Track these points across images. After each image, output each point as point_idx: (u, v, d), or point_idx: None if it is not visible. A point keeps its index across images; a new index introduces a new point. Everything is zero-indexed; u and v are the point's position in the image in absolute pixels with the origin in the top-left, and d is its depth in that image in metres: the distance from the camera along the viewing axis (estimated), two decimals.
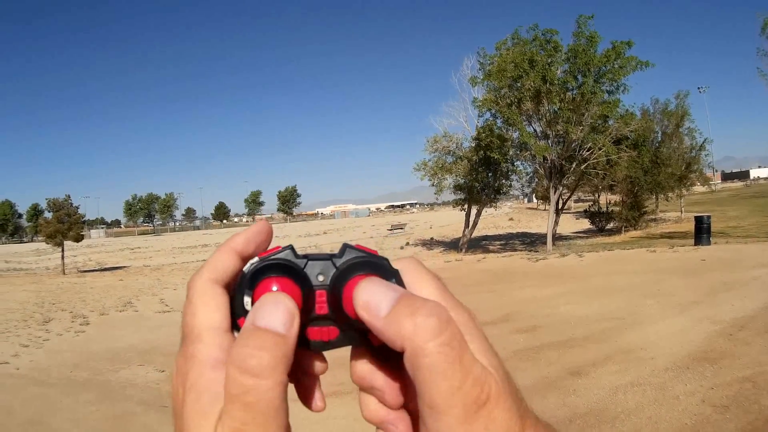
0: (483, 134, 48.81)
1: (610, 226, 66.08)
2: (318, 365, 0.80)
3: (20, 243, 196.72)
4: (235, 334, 0.73)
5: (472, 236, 55.47)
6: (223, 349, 0.71)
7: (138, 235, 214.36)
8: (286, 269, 0.74)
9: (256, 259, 0.76)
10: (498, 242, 62.13)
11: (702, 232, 32.61)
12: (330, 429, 10.35)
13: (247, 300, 0.72)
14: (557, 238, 52.21)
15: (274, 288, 0.72)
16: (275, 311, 0.67)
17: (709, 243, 32.03)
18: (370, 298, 0.68)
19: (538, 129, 46.00)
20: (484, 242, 61.44)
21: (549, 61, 43.10)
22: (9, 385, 15.32)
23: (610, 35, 64.84)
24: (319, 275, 0.75)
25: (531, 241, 58.92)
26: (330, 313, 0.75)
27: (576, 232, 70.05)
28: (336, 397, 10.97)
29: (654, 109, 67.75)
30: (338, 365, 0.83)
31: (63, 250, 53.75)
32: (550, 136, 44.87)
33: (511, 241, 62.48)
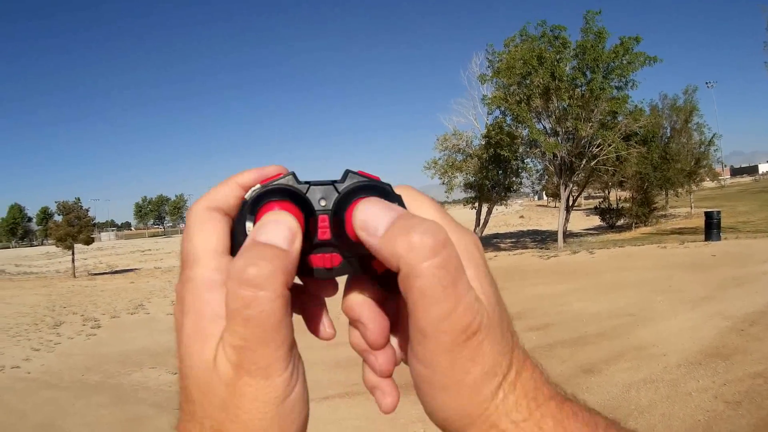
0: (493, 132, 48.84)
1: (621, 222, 65.97)
2: (324, 289, 0.82)
3: (30, 246, 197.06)
4: None
5: (482, 234, 55.51)
6: (221, 271, 0.70)
7: (148, 237, 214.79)
8: (288, 194, 0.75)
9: (257, 186, 0.76)
10: (509, 240, 62.06)
11: (712, 227, 32.52)
12: (343, 429, 10.34)
13: (249, 225, 0.73)
14: (568, 235, 52.14)
15: (276, 209, 0.72)
16: (276, 228, 0.68)
17: (719, 238, 31.94)
18: (367, 217, 0.69)
19: (548, 126, 45.94)
20: (495, 240, 61.39)
21: (558, 57, 43.01)
22: (20, 388, 15.34)
23: (618, 31, 64.85)
24: (321, 200, 0.76)
25: (542, 239, 58.83)
26: (333, 239, 0.76)
27: (586, 229, 69.96)
28: (349, 398, 10.97)
29: (663, 105, 67.60)
30: (351, 365, 0.82)
31: (73, 253, 53.77)
32: (560, 132, 44.83)
33: (521, 239, 62.42)
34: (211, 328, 0.67)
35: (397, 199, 0.75)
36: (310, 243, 0.74)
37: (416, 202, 0.78)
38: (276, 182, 0.75)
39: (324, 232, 0.75)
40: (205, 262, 0.71)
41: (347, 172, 0.77)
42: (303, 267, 0.74)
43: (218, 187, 0.77)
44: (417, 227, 0.65)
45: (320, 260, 0.75)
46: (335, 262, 0.76)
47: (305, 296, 0.81)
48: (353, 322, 0.79)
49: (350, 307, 0.78)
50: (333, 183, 0.76)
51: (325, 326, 0.80)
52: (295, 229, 0.69)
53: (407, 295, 0.65)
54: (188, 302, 0.70)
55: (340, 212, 0.74)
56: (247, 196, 0.75)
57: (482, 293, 0.70)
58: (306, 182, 0.77)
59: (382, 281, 0.75)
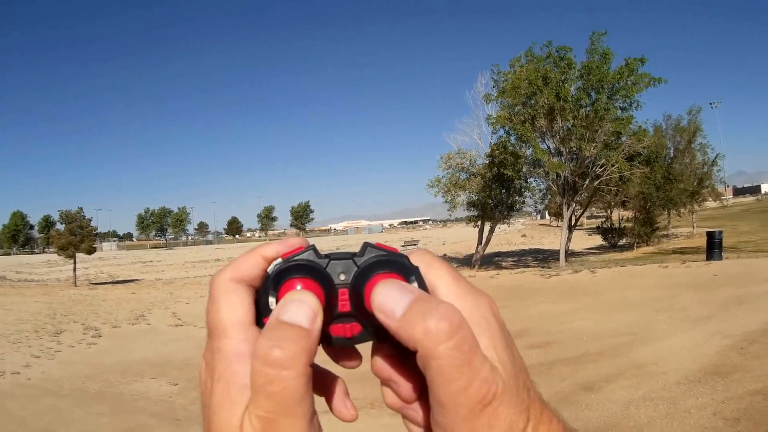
0: (496, 151, 48.82)
1: (623, 242, 65.96)
2: (350, 360, 0.85)
3: (31, 254, 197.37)
4: (260, 331, 0.74)
5: (485, 253, 55.42)
6: (249, 343, 0.74)
7: (150, 248, 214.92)
8: (309, 269, 0.77)
9: (279, 260, 0.79)
10: (511, 259, 62.06)
11: (714, 247, 32.51)
12: None
13: (271, 300, 0.75)
14: (570, 254, 52.12)
15: (298, 288, 0.74)
16: (299, 307, 0.71)
17: (720, 258, 31.91)
18: (385, 301, 0.71)
19: (552, 146, 45.97)
20: (497, 259, 61.39)
21: (563, 78, 43.05)
22: (21, 395, 15.37)
23: (624, 51, 64.96)
24: (341, 274, 0.78)
25: (544, 258, 58.80)
26: (352, 310, 0.78)
27: (589, 249, 69.95)
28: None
29: (666, 125, 67.82)
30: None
31: (75, 262, 53.81)
32: (564, 152, 44.86)
33: (523, 258, 62.40)
34: (239, 397, 0.70)
35: (414, 272, 0.77)
36: (330, 314, 0.77)
37: (433, 270, 0.80)
38: (297, 257, 0.79)
39: (344, 304, 0.78)
40: (234, 334, 0.75)
41: (365, 246, 0.81)
42: (323, 336, 0.76)
43: (243, 257, 0.81)
44: (433, 313, 0.68)
45: (340, 330, 0.79)
46: (354, 332, 0.79)
47: (327, 380, 0.84)
48: (385, 382, 0.83)
49: (380, 368, 0.82)
50: (352, 257, 0.80)
51: (348, 408, 0.84)
52: (317, 309, 0.71)
53: (425, 373, 0.68)
54: (219, 371, 0.73)
55: (359, 286, 0.77)
56: (270, 270, 0.79)
57: (497, 360, 0.72)
58: (326, 256, 0.80)
59: (401, 347, 0.75)
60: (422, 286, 0.76)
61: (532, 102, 43.33)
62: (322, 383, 0.83)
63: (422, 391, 0.78)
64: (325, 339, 0.78)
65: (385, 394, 0.84)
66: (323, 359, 0.79)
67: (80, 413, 13.69)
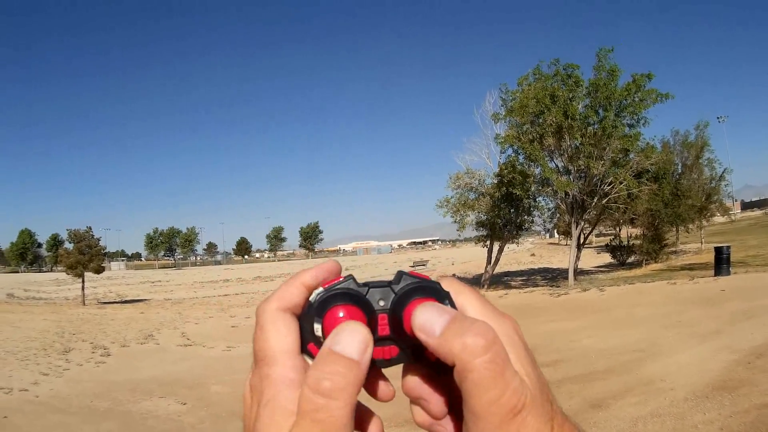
0: (505, 170, 48.87)
1: (631, 259, 65.88)
2: (384, 394, 0.90)
3: (39, 272, 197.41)
4: (305, 357, 0.81)
5: (494, 272, 55.41)
6: (297, 370, 0.78)
7: (159, 268, 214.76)
8: (351, 297, 0.83)
9: (321, 288, 0.84)
10: (520, 278, 62.03)
11: (722, 262, 32.42)
12: None
13: (317, 327, 0.80)
14: (579, 272, 52.12)
15: (341, 314, 0.79)
16: (351, 339, 0.75)
17: (728, 273, 31.81)
18: (425, 321, 0.76)
19: (560, 164, 45.92)
20: (506, 278, 61.40)
21: (570, 96, 43.07)
22: (29, 411, 15.39)
23: (630, 66, 64.61)
24: (380, 300, 0.84)
25: (552, 276, 58.75)
26: (391, 334, 0.84)
27: (597, 267, 69.90)
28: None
29: (674, 141, 67.78)
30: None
31: (83, 281, 53.87)
32: (572, 171, 44.82)
33: (532, 277, 62.39)
34: (285, 422, 0.73)
35: (446, 296, 0.83)
36: (371, 338, 0.79)
37: (462, 295, 0.86)
38: (338, 286, 0.84)
39: (384, 328, 0.84)
40: (283, 361, 0.79)
41: (400, 274, 0.87)
42: None
43: (285, 286, 0.86)
44: (470, 330, 0.74)
45: (380, 352, 0.83)
46: (393, 354, 0.85)
47: (365, 415, 0.88)
48: (415, 401, 0.88)
49: (411, 387, 0.87)
50: (389, 284, 0.85)
51: (384, 387, 0.89)
52: (368, 340, 0.76)
53: (462, 385, 0.73)
54: (267, 396, 0.76)
55: (397, 311, 0.83)
56: (312, 298, 0.84)
57: (525, 374, 0.77)
58: (365, 284, 0.85)
59: (434, 366, 0.82)
60: (454, 308, 0.82)
61: (540, 120, 43.32)
62: (360, 418, 0.86)
63: (451, 407, 0.85)
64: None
65: (415, 413, 0.89)
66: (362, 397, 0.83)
67: (89, 430, 13.71)
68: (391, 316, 0.83)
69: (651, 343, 17.69)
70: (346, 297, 0.82)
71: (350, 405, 0.71)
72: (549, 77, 44.40)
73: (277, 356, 0.79)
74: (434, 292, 0.83)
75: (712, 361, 14.55)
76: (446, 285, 0.86)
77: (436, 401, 0.86)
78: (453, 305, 0.83)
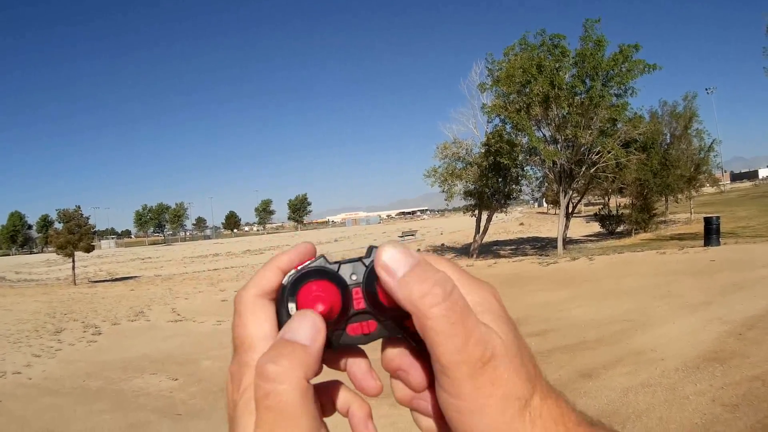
0: (492, 140, 48.98)
1: (620, 229, 66.15)
2: (370, 389, 0.88)
3: (30, 254, 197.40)
4: None
5: (482, 242, 55.56)
6: None
7: (149, 245, 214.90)
8: (323, 273, 0.82)
9: (292, 270, 0.83)
10: (509, 247, 62.23)
11: (711, 233, 32.53)
12: None
13: (291, 306, 0.81)
14: (568, 241, 52.19)
15: (314, 290, 0.80)
16: (300, 325, 0.75)
17: (718, 243, 31.94)
18: (390, 260, 0.76)
19: (547, 134, 46.07)
20: (495, 247, 61.57)
21: (557, 66, 43.13)
22: (22, 394, 15.40)
23: (618, 38, 65.04)
24: (352, 275, 0.83)
25: (542, 246, 58.91)
26: (367, 307, 0.83)
27: (586, 236, 70.04)
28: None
29: (662, 112, 67.92)
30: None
31: (74, 261, 53.76)
32: (559, 140, 44.93)
33: (521, 246, 62.56)
34: None
35: None
36: (347, 314, 0.83)
37: (438, 265, 0.81)
38: (310, 265, 0.83)
39: (359, 302, 0.83)
40: (261, 348, 0.77)
41: (371, 248, 0.84)
42: (342, 337, 0.84)
43: (261, 272, 0.84)
44: (430, 278, 0.73)
45: (357, 328, 0.84)
46: (371, 328, 0.84)
47: (349, 356, 0.89)
48: (394, 374, 0.87)
49: (390, 359, 0.86)
50: (360, 259, 0.85)
51: (372, 380, 0.87)
52: (319, 325, 0.75)
53: (423, 335, 0.73)
54: (244, 384, 0.75)
55: (370, 284, 0.81)
56: (285, 281, 0.83)
57: (499, 331, 0.75)
58: (336, 262, 0.85)
59: (414, 338, 0.81)
60: None
61: (527, 90, 43.45)
62: (334, 404, 0.87)
63: (431, 380, 0.81)
64: (344, 339, 0.85)
65: (395, 388, 0.88)
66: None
67: (81, 411, 13.71)
68: (365, 290, 0.83)
69: (641, 313, 17.73)
70: (317, 273, 0.82)
71: (299, 389, 0.69)
72: (535, 47, 44.59)
73: (254, 343, 0.78)
74: None
75: (703, 332, 14.59)
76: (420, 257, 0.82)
77: (416, 373, 0.85)
78: None
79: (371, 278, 0.81)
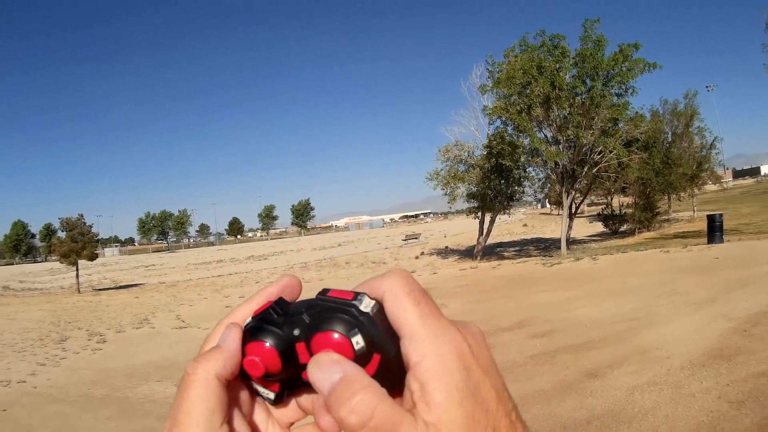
0: (494, 142, 48.95)
1: (624, 228, 66.01)
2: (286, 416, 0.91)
3: (34, 263, 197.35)
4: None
5: (486, 244, 55.50)
6: None
7: (152, 252, 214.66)
8: (265, 332, 0.82)
9: (249, 319, 0.85)
10: (512, 249, 62.15)
11: (714, 230, 32.48)
12: None
13: None
14: (571, 242, 52.19)
15: (254, 356, 0.81)
16: (216, 333, 0.83)
17: (722, 241, 31.89)
18: (315, 380, 0.75)
19: (549, 135, 46.15)
20: (498, 249, 61.49)
21: (557, 66, 43.19)
22: (27, 403, 15.41)
23: (617, 38, 64.96)
24: (295, 330, 0.81)
25: (545, 247, 58.86)
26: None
27: (590, 236, 69.96)
28: None
29: (663, 110, 67.81)
30: None
31: (77, 269, 53.83)
32: (561, 141, 44.97)
33: (525, 247, 62.49)
34: None
35: (357, 326, 0.77)
36: (296, 368, 0.82)
37: (399, 306, 0.76)
38: (255, 322, 0.84)
39: (304, 355, 0.81)
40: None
41: (317, 297, 0.82)
42: (300, 382, 0.83)
43: (238, 308, 0.87)
44: (345, 404, 0.70)
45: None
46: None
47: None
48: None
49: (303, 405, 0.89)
50: (304, 311, 0.82)
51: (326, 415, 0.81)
52: (232, 330, 0.82)
53: None
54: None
55: (308, 342, 0.80)
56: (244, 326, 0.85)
57: (439, 419, 0.69)
58: (284, 313, 0.83)
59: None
60: (369, 337, 0.76)
61: (528, 91, 43.54)
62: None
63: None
64: (302, 383, 0.83)
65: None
66: None
67: (87, 418, 13.72)
68: (307, 344, 0.81)
69: (646, 312, 17.69)
70: (260, 332, 0.82)
71: (202, 379, 0.76)
72: (535, 48, 44.70)
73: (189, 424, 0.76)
74: (342, 323, 0.78)
75: (708, 330, 14.56)
76: (384, 286, 0.79)
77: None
78: (367, 335, 0.76)
79: (308, 337, 0.80)
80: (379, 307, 0.78)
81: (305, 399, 0.88)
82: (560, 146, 45.09)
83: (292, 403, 0.89)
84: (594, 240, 63.09)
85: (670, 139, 66.26)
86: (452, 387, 0.70)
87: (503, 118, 46.66)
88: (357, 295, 0.79)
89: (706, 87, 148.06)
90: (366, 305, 0.78)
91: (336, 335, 0.77)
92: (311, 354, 0.79)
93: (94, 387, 16.63)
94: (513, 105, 44.86)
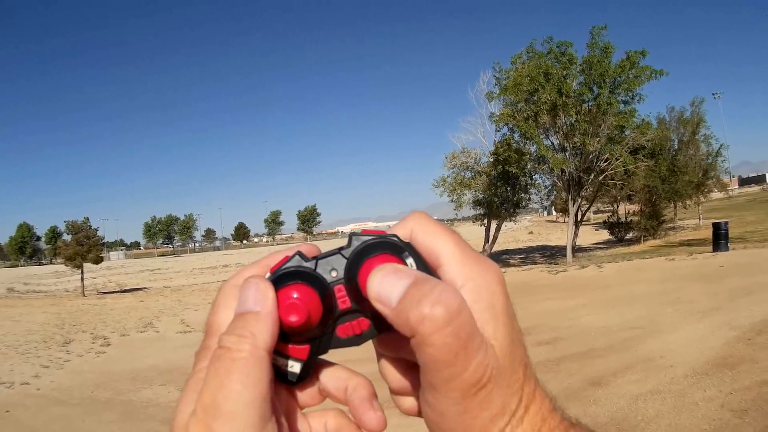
0: (501, 149, 49.19)
1: (630, 235, 66.12)
2: (309, 398, 0.82)
3: (39, 265, 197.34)
4: None
5: (492, 251, 55.59)
6: None
7: (158, 256, 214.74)
8: (297, 275, 0.74)
9: (267, 273, 0.76)
10: (518, 256, 62.14)
11: (720, 238, 32.47)
12: None
13: None
14: (577, 249, 52.18)
15: (294, 295, 0.72)
16: (247, 295, 0.70)
17: (727, 249, 31.89)
18: (380, 289, 0.68)
19: (556, 142, 46.19)
20: (504, 256, 61.40)
21: (564, 73, 43.22)
22: (31, 405, 15.40)
23: (624, 45, 64.87)
24: (332, 271, 0.75)
25: (551, 254, 58.85)
26: (353, 305, 0.75)
27: (596, 243, 70.03)
28: None
29: (670, 118, 67.87)
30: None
31: (82, 272, 53.70)
32: (568, 148, 45.01)
33: (531, 255, 62.48)
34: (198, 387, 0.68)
35: (407, 250, 0.74)
36: (332, 315, 0.75)
37: (435, 238, 0.76)
38: (284, 266, 0.75)
39: (344, 301, 0.75)
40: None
41: (350, 236, 0.77)
42: (333, 341, 0.77)
43: (250, 267, 0.80)
44: (428, 297, 0.64)
45: (348, 329, 0.77)
46: (364, 327, 0.77)
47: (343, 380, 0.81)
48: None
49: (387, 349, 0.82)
50: (339, 251, 0.77)
51: (371, 411, 0.79)
52: (263, 288, 0.70)
53: (419, 358, 0.67)
54: (198, 365, 0.71)
55: (353, 278, 0.74)
56: None
57: (495, 338, 0.70)
58: (314, 258, 0.77)
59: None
60: (418, 261, 0.74)
61: (535, 98, 43.52)
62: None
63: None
64: (335, 342, 0.78)
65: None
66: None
67: (90, 421, 13.71)
68: (347, 285, 0.75)
69: (650, 320, 17.67)
70: (290, 277, 0.74)
71: (254, 355, 0.65)
72: (542, 55, 44.70)
73: (220, 329, 0.72)
74: (391, 247, 0.74)
75: (712, 338, 14.54)
76: (412, 225, 0.78)
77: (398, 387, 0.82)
78: (417, 257, 0.74)
79: (353, 272, 0.73)
80: (410, 246, 0.75)
81: (331, 380, 0.81)
82: (567, 153, 45.14)
83: (312, 387, 0.81)
84: (600, 248, 63.17)
85: (676, 147, 66.33)
86: (499, 311, 0.72)
87: (510, 125, 46.76)
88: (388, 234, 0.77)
89: (713, 94, 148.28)
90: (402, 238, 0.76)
91: (389, 258, 0.73)
92: (356, 292, 0.74)
93: (98, 390, 16.62)
94: (520, 112, 44.96)
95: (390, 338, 0.78)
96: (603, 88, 42.09)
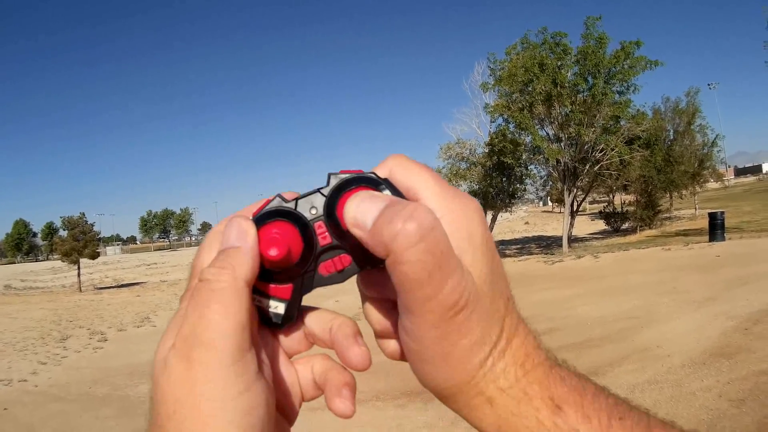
0: (496, 139, 49.11)
1: (626, 226, 66.13)
2: (295, 344, 0.82)
3: (35, 261, 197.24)
4: None
5: None
6: None
7: (154, 250, 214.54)
8: (277, 213, 0.76)
9: (250, 217, 0.75)
10: (514, 246, 62.07)
11: (716, 228, 32.51)
12: None
13: None
14: (573, 239, 52.28)
15: (275, 231, 0.73)
16: (230, 232, 0.71)
17: (723, 239, 31.95)
18: (356, 213, 0.68)
19: (551, 132, 46.20)
20: (500, 247, 61.17)
21: (559, 64, 43.23)
22: (28, 402, 15.40)
23: (619, 35, 64.74)
24: (311, 209, 0.76)
25: (547, 244, 58.77)
26: (335, 241, 0.76)
27: (592, 234, 70.07)
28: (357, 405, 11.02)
29: (665, 108, 67.79)
30: (358, 375, 0.84)
31: (79, 268, 53.73)
32: (563, 138, 45.03)
33: (527, 245, 62.39)
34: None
35: (384, 182, 0.75)
36: (313, 253, 0.76)
37: (412, 174, 0.76)
38: (265, 209, 0.77)
39: (324, 237, 0.76)
40: None
41: (329, 176, 0.78)
42: (316, 279, 0.78)
43: (230, 216, 0.77)
44: (400, 213, 0.64)
45: (330, 266, 0.77)
46: (345, 263, 0.77)
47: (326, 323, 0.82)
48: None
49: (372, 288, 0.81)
50: (318, 190, 0.77)
51: (358, 352, 0.79)
52: (245, 226, 0.71)
53: (393, 279, 0.66)
54: (182, 305, 0.71)
55: (332, 214, 0.75)
56: None
57: (472, 265, 0.69)
58: (293, 199, 0.78)
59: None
60: (396, 193, 0.75)
61: (530, 89, 43.51)
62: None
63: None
64: (318, 281, 0.78)
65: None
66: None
67: (87, 417, 13.71)
68: (327, 221, 0.76)
69: (646, 310, 17.68)
70: (271, 215, 0.76)
71: (234, 287, 0.66)
72: (537, 46, 44.65)
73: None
74: (368, 181, 0.75)
75: (709, 328, 14.54)
76: (390, 164, 0.79)
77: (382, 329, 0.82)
78: (394, 190, 0.75)
79: (332, 207, 0.75)
80: (387, 182, 0.76)
81: (316, 322, 0.82)
82: (562, 144, 45.18)
83: (298, 332, 0.82)
84: (596, 238, 63.19)
85: (671, 137, 66.24)
86: (478, 241, 0.72)
87: (505, 116, 46.65)
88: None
89: (708, 85, 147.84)
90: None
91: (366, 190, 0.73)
92: (336, 227, 0.75)
93: (95, 386, 16.62)
94: (515, 103, 44.94)
95: (373, 277, 0.79)
96: (598, 78, 42.11)
